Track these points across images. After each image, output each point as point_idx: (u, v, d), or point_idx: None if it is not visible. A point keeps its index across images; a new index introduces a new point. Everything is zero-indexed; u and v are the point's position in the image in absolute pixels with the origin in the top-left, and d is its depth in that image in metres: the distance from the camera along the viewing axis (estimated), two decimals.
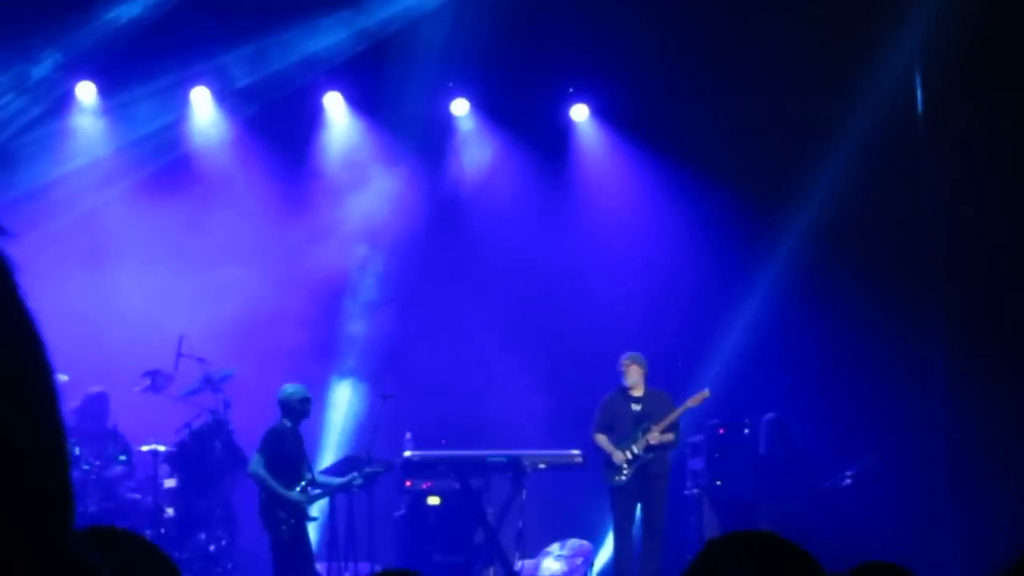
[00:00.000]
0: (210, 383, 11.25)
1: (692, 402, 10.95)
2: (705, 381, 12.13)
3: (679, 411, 10.96)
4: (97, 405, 11.40)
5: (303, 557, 9.80)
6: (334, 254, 12.85)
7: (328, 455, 12.41)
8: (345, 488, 10.27)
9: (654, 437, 10.94)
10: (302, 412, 9.91)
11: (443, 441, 11.45)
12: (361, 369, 12.95)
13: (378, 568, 10.20)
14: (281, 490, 9.72)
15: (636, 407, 11.00)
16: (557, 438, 11.69)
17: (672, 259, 13.18)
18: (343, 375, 12.96)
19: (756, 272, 12.89)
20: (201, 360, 11.22)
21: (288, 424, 9.87)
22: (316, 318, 12.72)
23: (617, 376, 11.12)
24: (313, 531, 10.46)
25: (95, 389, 11.37)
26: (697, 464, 12.20)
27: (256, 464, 9.73)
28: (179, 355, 11.23)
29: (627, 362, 11.07)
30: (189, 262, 12.34)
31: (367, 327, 12.99)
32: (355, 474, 10.28)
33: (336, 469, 11.04)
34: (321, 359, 12.71)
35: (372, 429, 10.82)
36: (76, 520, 1.15)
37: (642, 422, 10.94)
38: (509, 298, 13.04)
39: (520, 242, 13.18)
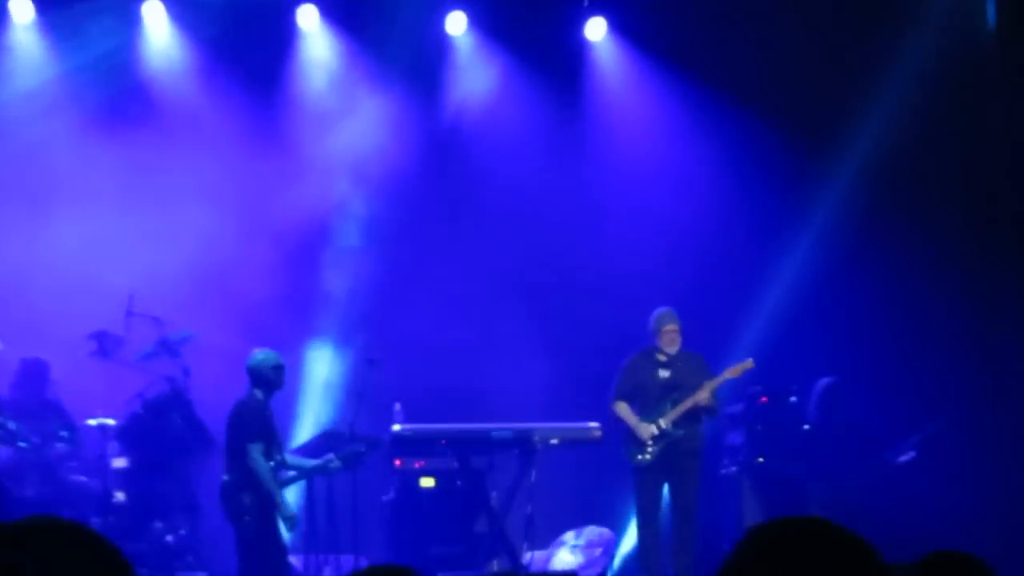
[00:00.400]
0: (166, 347, 11.14)
1: (732, 373, 10.63)
2: (743, 345, 12.13)
3: (716, 382, 10.62)
4: (34, 374, 11.33)
5: (273, 550, 9.54)
6: (310, 195, 12.65)
7: (303, 431, 12.26)
8: (321, 471, 10.05)
9: (688, 405, 10.62)
10: (275, 382, 9.66)
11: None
12: (341, 329, 12.80)
13: (363, 562, 10.36)
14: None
15: (665, 373, 10.70)
16: (570, 410, 11.48)
17: (703, 204, 13.03)
18: (320, 336, 12.80)
19: (800, 219, 12.80)
20: (155, 320, 11.11)
21: (259, 396, 9.63)
22: (289, 270, 12.57)
23: (639, 338, 10.87)
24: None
25: (32, 356, 11.27)
26: (736, 438, 12.06)
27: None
28: (129, 314, 11.14)
29: (660, 319, 10.73)
30: (142, 207, 12.11)
31: (348, 280, 12.83)
32: (331, 455, 10.02)
33: (312, 447, 10.87)
34: (295, 318, 12.55)
35: (355, 399, 10.70)
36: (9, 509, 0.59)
37: (672, 391, 10.64)
38: (513, 247, 12.93)
39: (526, 182, 13.02)
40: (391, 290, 12.83)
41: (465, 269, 12.79)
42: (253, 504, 9.45)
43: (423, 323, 12.50)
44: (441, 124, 13.00)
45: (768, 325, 12.55)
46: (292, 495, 10.29)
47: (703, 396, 10.49)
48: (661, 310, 10.79)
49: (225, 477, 9.54)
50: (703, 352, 10.95)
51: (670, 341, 10.66)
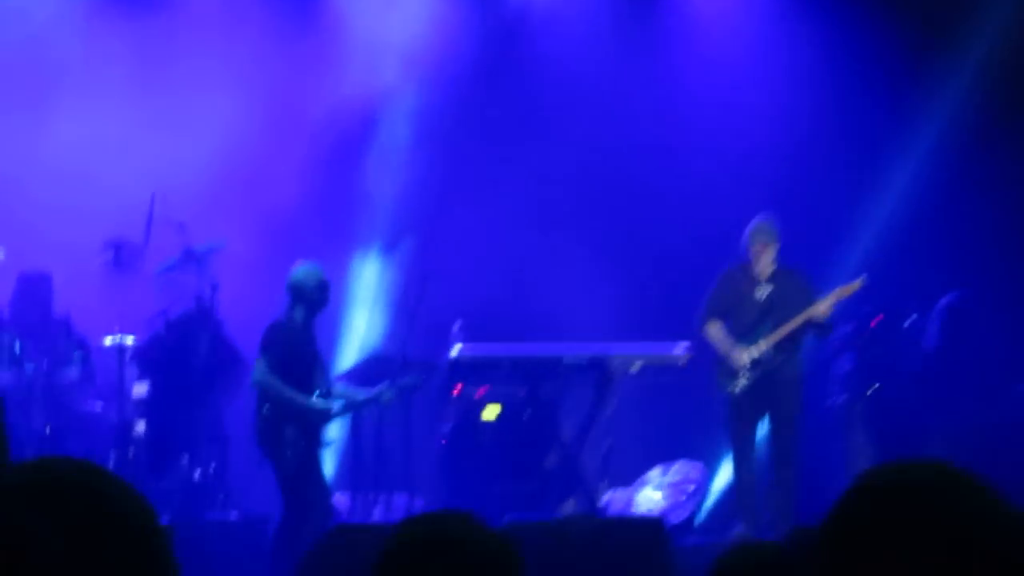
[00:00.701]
0: (192, 258, 11.01)
1: (841, 293, 10.60)
2: (850, 261, 12.08)
3: (824, 302, 10.55)
4: (36, 289, 11.23)
5: (316, 488, 9.50)
6: (352, 84, 12.65)
7: (347, 355, 12.43)
8: (373, 403, 10.00)
9: (792, 327, 10.51)
10: (319, 301, 9.60)
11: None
12: (389, 238, 12.90)
13: (417, 501, 10.57)
14: (301, 399, 9.45)
15: (763, 292, 10.64)
16: (651, 331, 11.44)
17: (802, 102, 12.94)
18: (365, 246, 12.92)
19: (918, 119, 12.73)
20: (180, 226, 10.96)
21: (298, 318, 9.54)
22: (329, 169, 12.65)
23: (729, 250, 10.81)
24: (329, 454, 10.47)
25: (31, 270, 11.20)
26: (844, 365, 11.93)
27: (260, 372, 9.46)
28: (151, 220, 11.02)
29: (752, 235, 10.67)
30: (161, 100, 12.16)
31: (396, 182, 12.88)
32: (385, 385, 9.91)
33: (358, 374, 10.95)
34: (336, 225, 12.65)
35: (407, 318, 10.64)
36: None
37: (770, 313, 10.57)
38: (581, 146, 12.96)
39: (596, 77, 12.99)
40: (445, 194, 12.89)
41: (528, 171, 12.86)
42: (296, 437, 9.42)
43: (482, 231, 12.63)
44: (505, 8, 13.10)
45: (881, 237, 12.62)
46: (334, 431, 10.20)
47: (821, 310, 10.44)
48: (756, 223, 10.70)
49: (264, 408, 9.47)
50: (807, 269, 10.89)
51: (765, 261, 10.62)
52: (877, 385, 11.78)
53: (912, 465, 2.01)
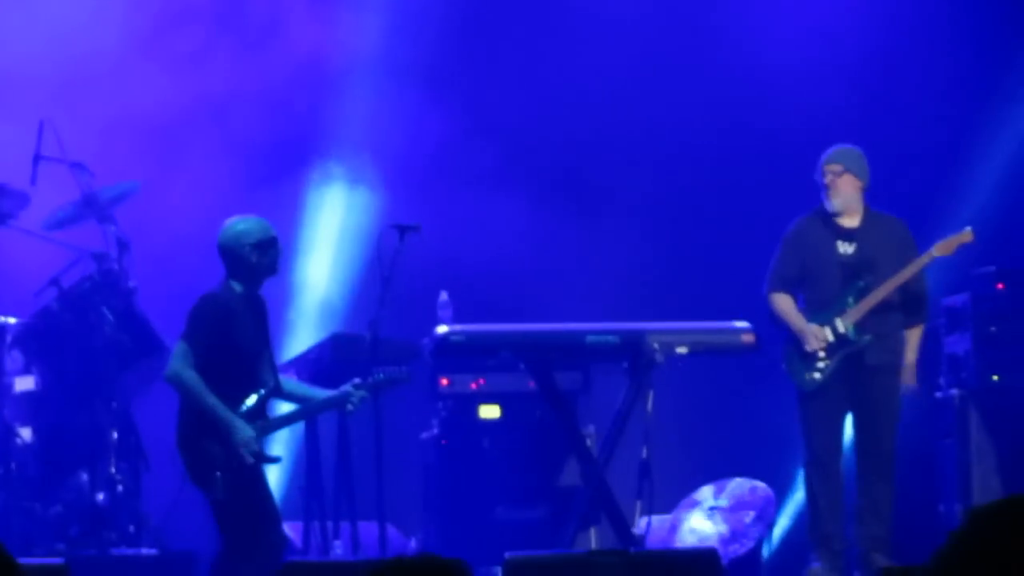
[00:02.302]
0: (94, 207, 11.08)
1: (943, 248, 10.62)
2: (960, 214, 12.13)
3: (921, 261, 10.60)
4: None
5: (259, 517, 9.37)
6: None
7: (300, 335, 12.55)
8: (336, 407, 9.88)
9: (881, 297, 10.56)
10: (260, 266, 9.47)
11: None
12: (360, 180, 13.10)
13: (391, 532, 10.58)
14: (222, 413, 9.33)
15: (847, 248, 10.64)
16: (699, 306, 11.63)
17: (880, 41, 13.25)
18: (325, 191, 13.13)
19: None
20: (77, 167, 11.08)
21: (237, 288, 9.43)
22: (282, 91, 12.87)
23: (795, 208, 10.88)
24: (276, 474, 10.65)
25: None
26: (958, 345, 12.04)
27: (180, 362, 9.32)
28: (38, 157, 11.11)
29: (834, 165, 10.65)
30: None
31: (370, 113, 13.08)
32: (353, 385, 9.74)
33: (315, 359, 11.17)
34: (290, 162, 12.86)
35: (379, 286, 10.36)
36: None
37: (858, 275, 10.58)
38: (605, 80, 13.22)
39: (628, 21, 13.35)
40: (435, 131, 13.02)
41: (540, 104, 13.10)
42: (224, 455, 9.36)
43: (478, 179, 12.87)
44: None
45: (998, 186, 12.87)
46: (281, 444, 10.49)
47: (903, 279, 10.54)
48: (831, 149, 10.84)
49: (187, 412, 9.42)
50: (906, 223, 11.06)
51: (847, 199, 10.65)
52: (996, 377, 11.93)
53: None
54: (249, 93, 12.87)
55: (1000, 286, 12.03)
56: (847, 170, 10.62)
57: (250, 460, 9.44)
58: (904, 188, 12.05)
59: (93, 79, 12.21)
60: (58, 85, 12.02)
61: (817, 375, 10.43)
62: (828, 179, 10.63)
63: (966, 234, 10.66)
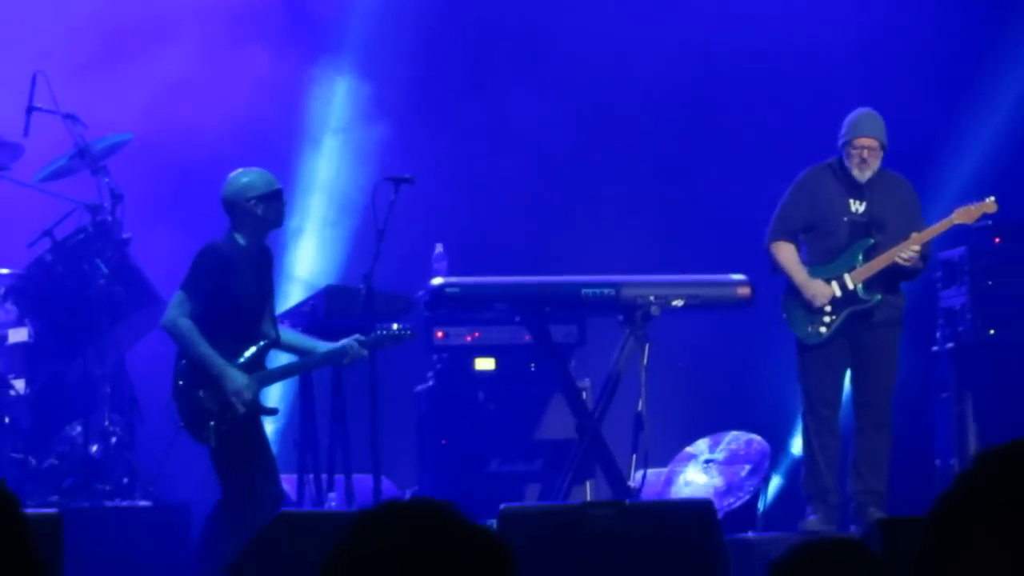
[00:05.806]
0: (87, 157, 11.08)
1: (964, 216, 10.76)
2: (958, 169, 12.55)
3: (936, 229, 10.76)
4: None
5: (257, 469, 9.62)
6: None
7: (293, 287, 12.57)
8: (335, 361, 10.06)
9: (891, 259, 10.57)
10: (265, 219, 9.65)
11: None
12: (352, 131, 13.10)
13: (386, 485, 10.61)
14: (218, 363, 9.48)
15: (859, 205, 10.72)
16: (695, 259, 11.71)
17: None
18: (318, 144, 13.10)
19: None
20: (70, 118, 11.07)
21: (241, 241, 9.62)
22: (276, 39, 12.83)
23: (801, 162, 10.93)
24: (271, 427, 10.62)
25: None
26: (955, 298, 12.10)
27: (176, 311, 9.51)
28: (31, 108, 11.14)
29: (870, 140, 10.66)
30: None
31: (366, 60, 13.09)
32: (353, 339, 9.90)
33: (309, 311, 11.06)
34: (287, 112, 12.85)
35: (375, 239, 10.52)
36: None
37: (868, 233, 10.70)
38: (605, 31, 13.26)
39: None
40: (430, 80, 13.07)
41: (534, 59, 13.09)
42: (219, 405, 9.55)
43: (475, 129, 12.88)
44: None
45: (995, 141, 12.87)
46: (278, 396, 10.71)
47: (909, 253, 10.56)
48: (861, 112, 10.75)
49: (183, 361, 9.58)
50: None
51: (866, 162, 10.67)
52: (993, 332, 11.84)
53: None
54: (248, 39, 12.78)
55: (997, 240, 12.03)
56: (882, 147, 10.69)
57: (241, 410, 9.55)
58: (903, 143, 11.79)
59: (86, 30, 12.11)
60: (53, 30, 11.94)
61: (823, 329, 10.53)
62: (865, 153, 10.64)
63: (989, 204, 10.71)
